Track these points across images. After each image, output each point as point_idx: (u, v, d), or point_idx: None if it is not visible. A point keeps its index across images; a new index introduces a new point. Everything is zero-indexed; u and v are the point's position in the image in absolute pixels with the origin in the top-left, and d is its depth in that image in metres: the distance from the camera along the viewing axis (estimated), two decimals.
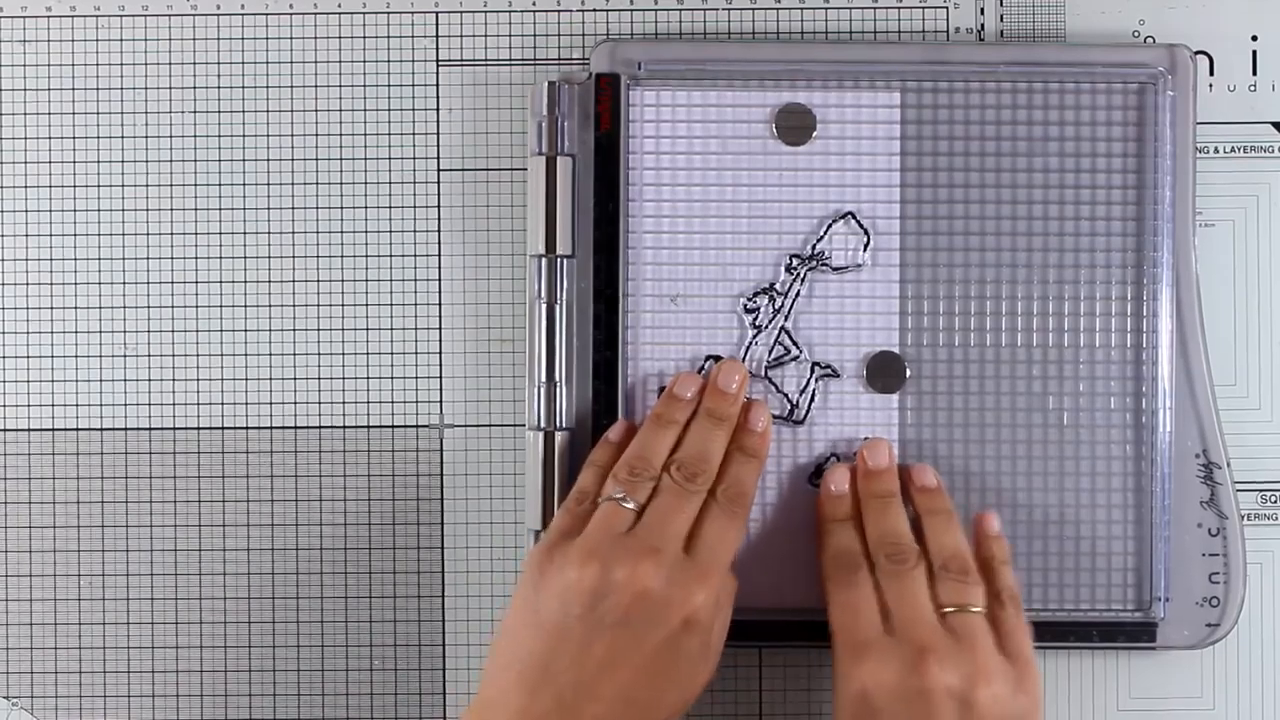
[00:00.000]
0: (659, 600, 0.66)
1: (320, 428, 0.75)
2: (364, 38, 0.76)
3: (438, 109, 0.76)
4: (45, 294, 0.76)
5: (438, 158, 0.76)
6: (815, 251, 0.73)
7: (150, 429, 0.75)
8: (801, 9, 0.75)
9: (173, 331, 0.76)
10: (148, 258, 0.76)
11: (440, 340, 0.76)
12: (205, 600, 0.75)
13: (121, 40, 0.76)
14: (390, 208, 0.76)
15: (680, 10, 0.75)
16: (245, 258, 0.76)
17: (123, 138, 0.76)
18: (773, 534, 0.74)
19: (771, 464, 0.73)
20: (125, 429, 0.75)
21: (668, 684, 0.66)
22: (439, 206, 0.76)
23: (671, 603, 0.66)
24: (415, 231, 0.76)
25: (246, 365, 0.76)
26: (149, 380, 0.75)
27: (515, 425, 0.75)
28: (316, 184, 0.76)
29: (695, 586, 0.66)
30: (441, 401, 0.75)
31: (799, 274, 0.73)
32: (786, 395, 0.74)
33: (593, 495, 0.70)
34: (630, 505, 0.68)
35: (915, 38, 0.75)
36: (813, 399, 0.73)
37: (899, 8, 0.75)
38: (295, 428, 0.75)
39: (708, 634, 0.67)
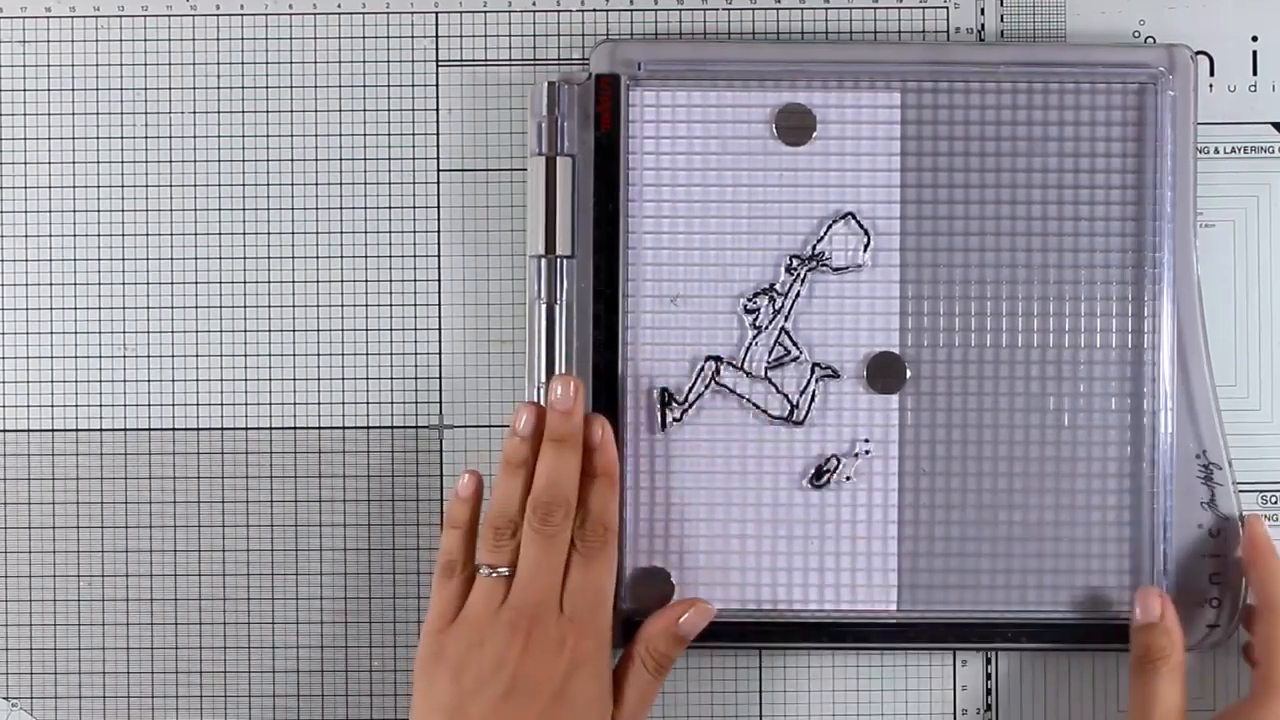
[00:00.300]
0: (542, 666, 0.66)
1: (320, 428, 0.75)
2: (364, 38, 0.76)
3: (438, 109, 0.76)
4: (45, 294, 0.76)
5: (438, 158, 0.76)
6: (815, 252, 0.73)
7: (150, 429, 0.75)
8: (801, 9, 0.75)
9: (173, 332, 0.76)
10: (148, 258, 0.76)
11: (440, 340, 0.76)
12: (205, 600, 0.75)
13: (121, 40, 0.76)
14: (390, 208, 0.76)
15: (680, 10, 0.75)
16: (245, 258, 0.76)
17: (123, 138, 0.76)
18: (773, 535, 0.74)
19: (771, 465, 0.73)
20: (125, 430, 0.75)
21: None
22: (439, 206, 0.76)
23: (556, 664, 0.67)
24: (415, 231, 0.76)
25: (246, 365, 0.75)
26: (149, 381, 0.75)
27: None
28: (316, 184, 0.76)
29: (575, 642, 0.67)
30: (441, 402, 0.75)
31: (799, 274, 0.73)
32: (786, 396, 0.73)
33: (460, 563, 0.70)
34: (503, 572, 0.68)
35: (915, 38, 0.75)
36: (813, 399, 0.73)
37: (899, 8, 0.75)
38: (295, 428, 0.75)
39: (599, 667, 0.67)
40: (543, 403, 0.71)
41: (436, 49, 0.76)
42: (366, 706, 0.75)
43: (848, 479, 0.73)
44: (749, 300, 0.73)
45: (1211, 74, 0.75)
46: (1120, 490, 0.73)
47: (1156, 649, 0.69)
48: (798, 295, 0.73)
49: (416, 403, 0.75)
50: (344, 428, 0.75)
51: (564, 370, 0.72)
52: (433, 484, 0.75)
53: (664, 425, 0.74)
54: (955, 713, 0.75)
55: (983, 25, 0.76)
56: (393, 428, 0.75)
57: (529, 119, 0.74)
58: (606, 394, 0.73)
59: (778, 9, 0.75)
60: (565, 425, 0.69)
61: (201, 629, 0.75)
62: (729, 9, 0.75)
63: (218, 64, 0.76)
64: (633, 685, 0.69)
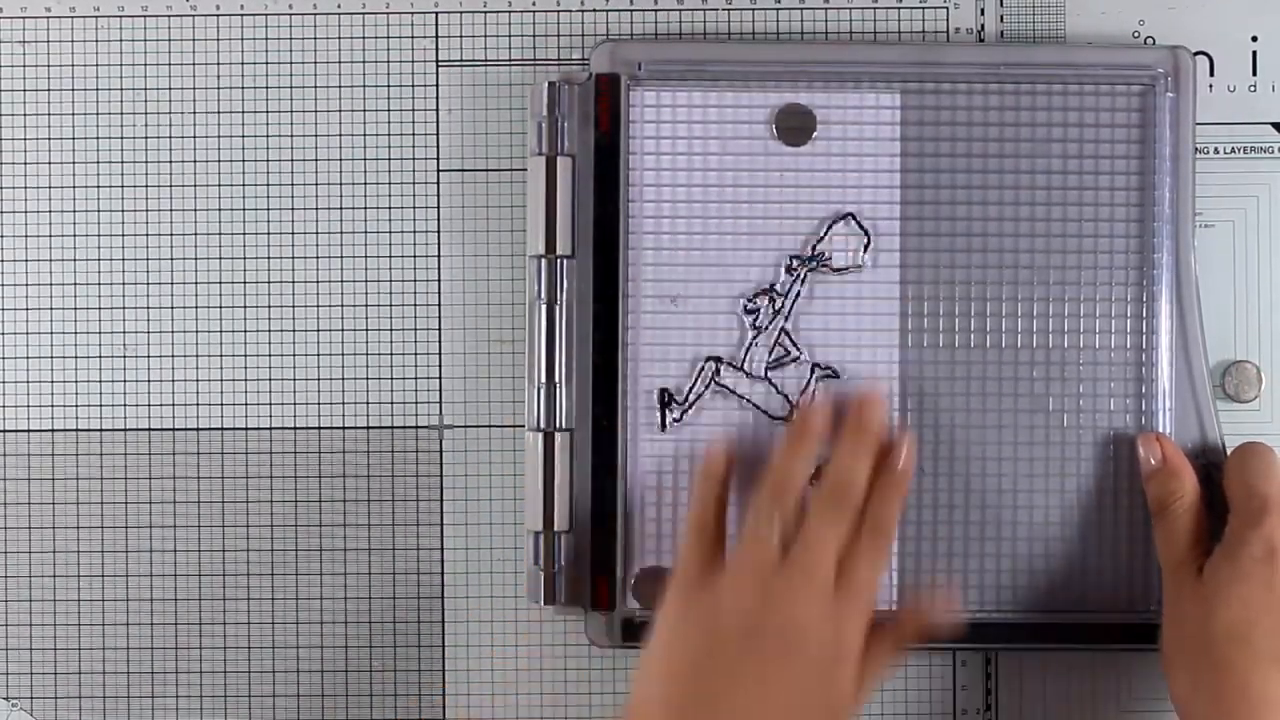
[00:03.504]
0: (814, 633, 0.66)
1: (320, 428, 0.75)
2: (364, 38, 0.76)
3: (438, 109, 0.76)
4: (45, 294, 0.76)
5: (437, 158, 0.76)
6: (815, 252, 0.73)
7: (150, 429, 0.75)
8: (801, 9, 0.75)
9: (173, 331, 0.76)
10: (148, 258, 0.76)
11: (440, 340, 0.76)
12: (205, 600, 0.75)
13: (121, 41, 0.76)
14: (390, 208, 0.76)
15: (680, 10, 0.75)
16: (245, 258, 0.76)
17: (123, 138, 0.76)
18: None
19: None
20: (125, 429, 0.75)
21: (816, 716, 0.66)
22: (439, 206, 0.76)
23: (825, 636, 0.66)
24: (415, 231, 0.76)
25: (246, 365, 0.76)
26: (149, 381, 0.75)
27: (515, 426, 0.75)
28: (316, 184, 0.76)
29: (847, 620, 0.67)
30: (441, 402, 0.75)
31: (799, 275, 0.73)
32: (786, 396, 0.73)
33: (714, 517, 0.70)
34: (776, 532, 0.68)
35: (915, 38, 0.75)
36: (813, 400, 0.73)
37: (899, 8, 0.75)
38: (295, 428, 0.75)
39: (856, 666, 0.67)
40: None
41: (436, 49, 0.76)
42: (366, 706, 0.75)
43: None
44: (749, 300, 0.73)
45: (1211, 74, 0.75)
46: (1121, 490, 0.73)
47: (1167, 493, 0.71)
48: (798, 295, 0.73)
49: (416, 403, 0.75)
50: (344, 428, 0.75)
51: (563, 370, 0.73)
52: (433, 484, 0.75)
53: (664, 425, 0.74)
54: (955, 713, 0.75)
55: (983, 25, 0.76)
56: (393, 428, 0.75)
57: (529, 119, 0.74)
58: (606, 394, 0.73)
59: (778, 9, 0.75)
60: (869, 437, 0.70)
61: (201, 629, 0.75)
62: (729, 9, 0.75)
63: (218, 64, 0.76)
64: (860, 557, 0.68)
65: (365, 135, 0.76)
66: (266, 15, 0.76)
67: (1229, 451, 0.71)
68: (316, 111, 0.76)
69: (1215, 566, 0.68)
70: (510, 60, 0.76)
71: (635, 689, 0.68)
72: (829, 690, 0.66)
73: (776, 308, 0.73)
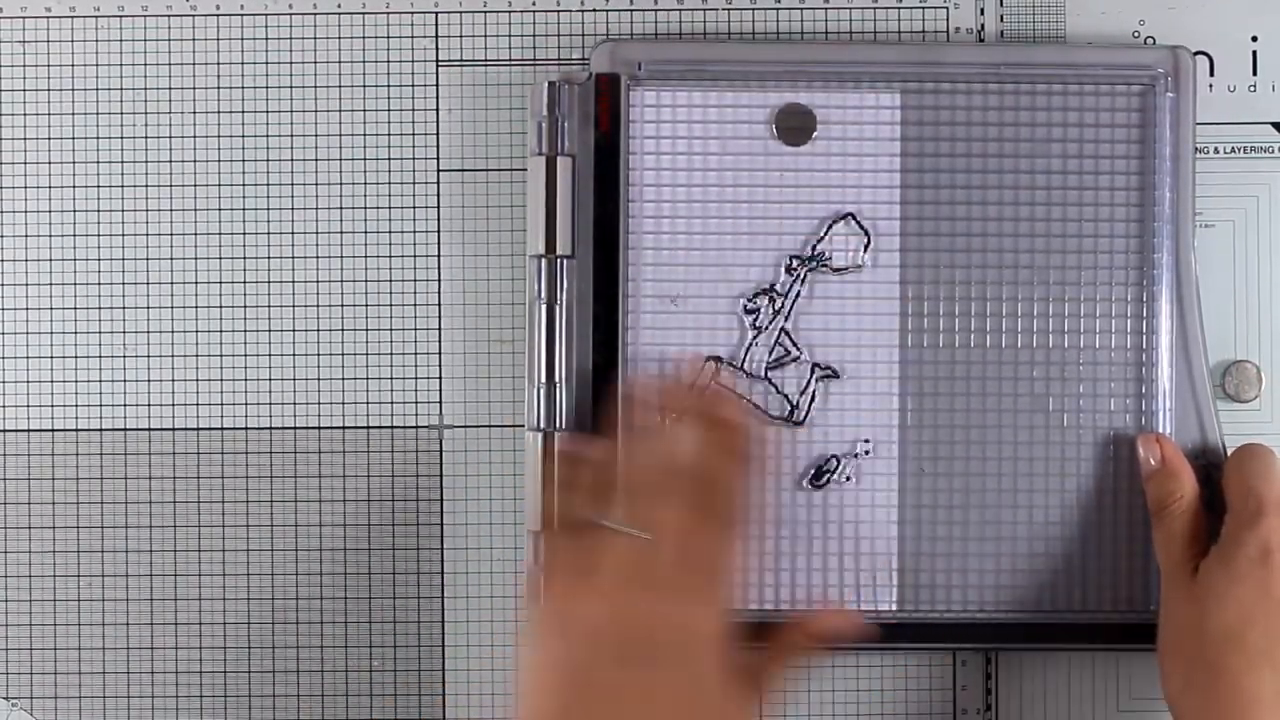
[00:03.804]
0: (686, 633, 0.65)
1: (320, 428, 0.75)
2: (364, 38, 0.76)
3: (438, 109, 0.76)
4: (45, 294, 0.76)
5: (437, 158, 0.76)
6: (815, 252, 0.73)
7: (150, 429, 0.75)
8: (801, 9, 0.75)
9: (173, 331, 0.76)
10: (148, 258, 0.76)
11: (440, 340, 0.76)
12: (205, 601, 0.75)
13: (121, 40, 0.76)
14: (390, 208, 0.76)
15: (680, 10, 0.75)
16: (245, 258, 0.76)
17: (123, 138, 0.76)
18: (773, 536, 0.74)
19: (770, 465, 0.73)
20: (125, 429, 0.75)
21: (707, 715, 0.65)
22: (439, 206, 0.76)
23: (698, 634, 0.66)
24: (415, 231, 0.76)
25: (246, 365, 0.76)
26: (149, 380, 0.76)
27: (515, 426, 0.75)
28: (316, 184, 0.76)
29: (697, 609, 0.66)
30: (441, 402, 0.75)
31: (799, 275, 0.73)
32: (786, 396, 0.74)
33: (582, 521, 0.69)
34: (636, 532, 0.67)
35: (915, 38, 0.75)
36: (813, 400, 0.73)
37: (899, 8, 0.75)
38: (295, 428, 0.75)
39: (720, 654, 0.66)
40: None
41: (436, 49, 0.76)
42: (366, 707, 0.75)
43: (848, 479, 0.74)
44: (749, 300, 0.73)
45: (1211, 74, 0.75)
46: (1120, 490, 0.73)
47: (1166, 493, 0.71)
48: (798, 295, 0.73)
49: (416, 403, 0.76)
50: (344, 428, 0.75)
51: (563, 370, 0.73)
52: (433, 484, 0.75)
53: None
54: (955, 713, 0.75)
55: (983, 25, 0.76)
56: (393, 428, 0.75)
57: (529, 119, 0.74)
58: (606, 395, 0.73)
59: (778, 9, 0.75)
60: (703, 406, 0.70)
61: (201, 629, 0.75)
62: (729, 9, 0.75)
63: (218, 64, 0.76)
64: (714, 542, 0.68)
65: (365, 135, 0.76)
66: (266, 15, 0.76)
67: (1229, 452, 0.71)
68: (316, 111, 0.76)
69: (1210, 567, 0.68)
70: (510, 60, 0.76)
71: (519, 712, 0.66)
72: (710, 684, 0.65)
73: (776, 308, 0.73)
